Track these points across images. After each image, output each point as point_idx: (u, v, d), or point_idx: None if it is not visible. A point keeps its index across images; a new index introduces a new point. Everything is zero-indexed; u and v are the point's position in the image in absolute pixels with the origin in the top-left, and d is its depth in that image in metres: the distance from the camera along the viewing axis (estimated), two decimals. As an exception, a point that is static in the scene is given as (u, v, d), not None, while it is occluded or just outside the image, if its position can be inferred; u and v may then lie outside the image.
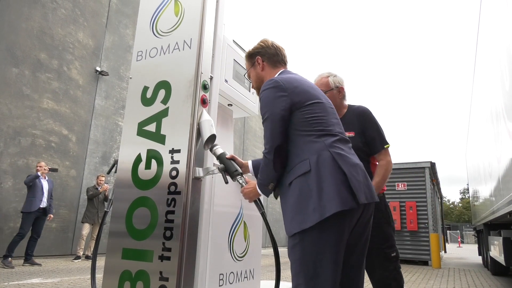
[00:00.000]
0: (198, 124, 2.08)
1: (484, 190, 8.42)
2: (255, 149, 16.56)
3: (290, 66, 2.12)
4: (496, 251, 7.18)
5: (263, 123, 1.79)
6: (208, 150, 2.14)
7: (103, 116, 9.92)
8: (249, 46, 2.15)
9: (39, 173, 7.10)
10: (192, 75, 2.14)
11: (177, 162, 2.04)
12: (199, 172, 2.05)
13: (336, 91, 2.52)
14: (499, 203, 5.65)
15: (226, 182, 2.01)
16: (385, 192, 2.50)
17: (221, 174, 2.05)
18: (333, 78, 2.54)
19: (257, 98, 2.99)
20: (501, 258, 6.60)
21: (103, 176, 8.75)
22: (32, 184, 7.01)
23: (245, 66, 2.18)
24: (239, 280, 2.43)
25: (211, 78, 2.27)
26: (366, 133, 2.42)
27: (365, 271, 2.20)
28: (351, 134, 2.40)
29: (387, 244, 2.32)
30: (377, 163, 2.45)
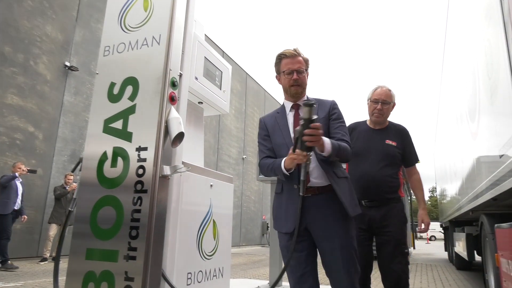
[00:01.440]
0: (166, 122, 2.05)
1: (450, 189, 8.75)
2: (230, 147, 16.51)
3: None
4: (460, 247, 7.49)
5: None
6: (176, 148, 2.12)
7: (72, 113, 9.61)
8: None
9: (16, 174, 6.81)
10: (160, 71, 2.10)
11: (144, 160, 2.00)
12: (167, 170, 2.02)
13: (392, 105, 2.84)
14: (462, 201, 5.88)
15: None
16: None
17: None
18: (393, 93, 2.86)
19: (228, 96, 2.99)
20: (464, 253, 6.89)
21: (71, 175, 8.48)
22: (7, 185, 6.73)
23: (302, 65, 2.20)
24: (208, 279, 2.42)
25: (181, 75, 2.24)
26: (406, 148, 2.81)
27: (378, 263, 2.59)
28: (394, 143, 2.76)
29: (404, 241, 2.60)
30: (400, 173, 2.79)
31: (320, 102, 2.25)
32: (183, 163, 2.19)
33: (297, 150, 1.86)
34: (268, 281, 4.35)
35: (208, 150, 14.59)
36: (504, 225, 2.96)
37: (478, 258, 6.15)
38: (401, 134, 2.83)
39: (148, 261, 1.88)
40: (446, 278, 7.36)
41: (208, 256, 2.42)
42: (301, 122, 1.84)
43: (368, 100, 2.84)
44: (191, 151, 2.65)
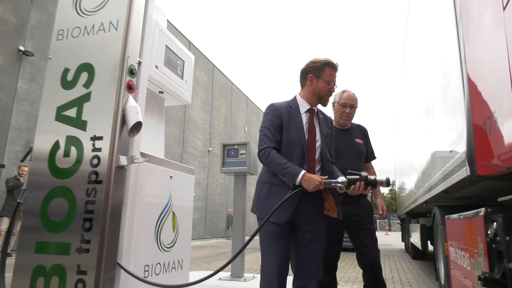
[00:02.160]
0: (123, 111, 1.99)
1: (408, 182, 9.13)
2: (196, 140, 16.33)
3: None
4: (416, 238, 7.86)
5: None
6: (134, 138, 2.06)
7: (27, 101, 9.11)
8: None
9: None
10: (117, 58, 2.03)
11: (99, 149, 1.93)
12: (123, 160, 1.96)
13: (356, 108, 3.02)
14: (418, 194, 6.16)
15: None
16: None
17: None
18: (357, 97, 3.02)
19: (191, 87, 2.94)
20: (419, 244, 7.24)
21: (26, 166, 8.05)
22: None
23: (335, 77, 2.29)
24: (166, 271, 2.38)
25: (139, 63, 2.17)
26: (367, 146, 3.06)
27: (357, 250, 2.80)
28: (361, 141, 2.99)
29: (375, 230, 2.88)
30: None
31: (324, 116, 2.40)
32: (141, 153, 2.13)
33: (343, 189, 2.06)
34: (230, 273, 4.36)
35: (173, 142, 14.35)
36: (453, 216, 3.13)
37: (431, 248, 6.48)
38: (364, 133, 3.08)
39: (102, 254, 1.83)
40: (402, 267, 7.71)
41: (167, 248, 2.39)
42: (383, 183, 2.07)
43: (335, 103, 2.98)
44: (151, 142, 2.59)
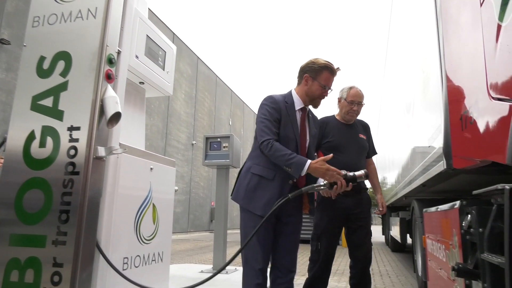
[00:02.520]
0: (102, 101, 1.95)
1: (389, 177, 9.30)
2: (179, 133, 16.18)
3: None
4: (395, 231, 8.03)
5: None
6: (112, 128, 2.02)
7: (3, 91, 8.84)
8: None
9: None
10: (96, 47, 1.98)
11: (76, 140, 1.89)
12: (101, 151, 1.92)
13: (363, 104, 2.99)
14: (398, 187, 6.28)
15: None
16: None
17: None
18: (363, 93, 3.00)
19: (172, 78, 2.91)
20: (398, 237, 7.40)
21: (2, 158, 7.83)
22: None
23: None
24: (146, 264, 2.36)
25: (119, 52, 2.13)
26: (369, 142, 3.08)
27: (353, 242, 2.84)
28: (364, 137, 3.00)
29: (371, 224, 2.94)
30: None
31: (313, 116, 2.43)
32: (120, 144, 2.09)
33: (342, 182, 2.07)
34: (212, 266, 4.37)
35: (156, 135, 14.19)
36: (431, 209, 3.20)
37: (410, 241, 6.63)
38: (366, 129, 3.11)
39: (79, 246, 1.80)
40: (381, 259, 7.87)
41: (146, 240, 2.37)
42: (362, 177, 2.11)
43: (341, 99, 2.96)
44: (131, 133, 2.55)
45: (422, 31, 3.23)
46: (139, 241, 2.28)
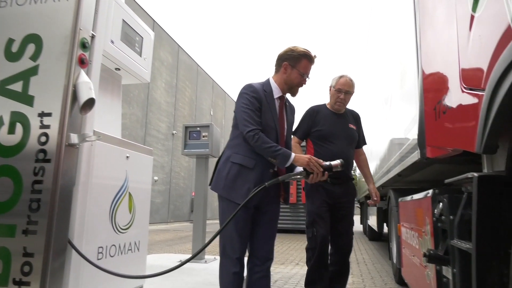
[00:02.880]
0: (74, 86, 1.88)
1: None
2: (159, 122, 15.95)
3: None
4: (373, 220, 8.21)
5: None
6: (86, 115, 1.96)
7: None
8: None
9: None
10: (68, 30, 1.91)
11: (48, 126, 1.83)
12: (74, 138, 1.86)
13: (353, 94, 2.97)
14: (375, 177, 6.40)
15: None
16: None
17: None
18: (354, 82, 2.96)
19: (150, 64, 2.85)
20: (375, 226, 7.57)
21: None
22: None
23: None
24: (122, 253, 2.33)
25: (93, 36, 2.05)
26: (359, 132, 3.08)
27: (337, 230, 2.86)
28: (354, 127, 2.99)
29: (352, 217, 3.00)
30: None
31: (290, 104, 2.44)
32: (94, 132, 2.04)
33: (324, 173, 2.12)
34: (190, 255, 4.36)
35: (136, 124, 13.95)
36: (406, 198, 3.27)
37: (387, 230, 6.80)
38: (357, 119, 3.11)
39: (51, 235, 1.75)
40: (359, 248, 8.05)
41: (122, 229, 2.33)
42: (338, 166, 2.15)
43: (331, 87, 2.96)
44: (106, 120, 2.49)
45: (400, 22, 3.26)
46: (114, 230, 2.24)
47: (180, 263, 2.00)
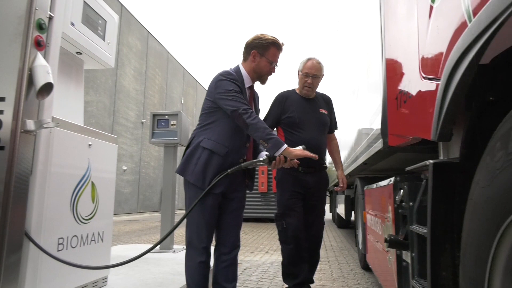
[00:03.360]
0: (30, 70, 1.78)
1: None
2: (128, 110, 15.53)
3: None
4: (341, 208, 8.42)
5: None
6: (44, 100, 1.87)
7: None
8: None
9: None
10: (23, 10, 1.79)
11: (1, 112, 1.72)
12: (30, 125, 1.77)
13: (321, 77, 2.88)
14: (344, 166, 6.54)
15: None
16: None
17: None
18: (322, 65, 2.85)
19: (114, 49, 2.75)
20: (343, 213, 7.77)
21: None
22: None
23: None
24: (84, 244, 2.27)
25: (51, 17, 1.95)
26: (331, 116, 2.99)
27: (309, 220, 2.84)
28: (326, 112, 2.90)
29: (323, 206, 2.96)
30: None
31: (256, 93, 2.43)
32: (53, 118, 1.95)
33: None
34: (159, 246, 4.31)
35: (103, 112, 13.51)
36: (371, 186, 3.37)
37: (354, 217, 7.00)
38: (328, 103, 3.02)
39: (6, 227, 1.67)
40: (327, 235, 8.24)
41: (85, 220, 2.26)
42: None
43: (299, 71, 2.85)
44: (67, 107, 2.39)
45: (366, 12, 3.30)
46: (76, 220, 2.17)
47: (141, 253, 1.95)
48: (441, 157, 1.38)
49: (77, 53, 2.44)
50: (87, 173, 2.27)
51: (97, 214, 2.38)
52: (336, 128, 3.12)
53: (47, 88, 1.81)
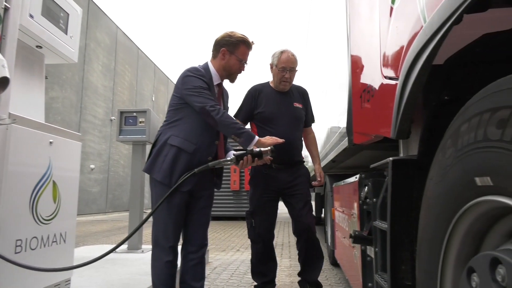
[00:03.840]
0: (-17, 63, 1.69)
1: (309, 155, 9.77)
2: (96, 107, 15.06)
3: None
4: (312, 205, 8.56)
5: None
6: (-1, 96, 1.78)
7: None
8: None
9: None
10: (-25, 0, 1.70)
11: (-49, 108, 1.63)
12: (-16, 121, 1.68)
13: (296, 70, 2.78)
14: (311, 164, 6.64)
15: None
16: None
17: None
18: (296, 56, 2.76)
19: (77, 44, 2.66)
20: (314, 210, 7.90)
21: None
22: None
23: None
24: (45, 245, 2.18)
25: (6, 8, 1.85)
26: (307, 109, 2.90)
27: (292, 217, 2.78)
28: (300, 106, 2.81)
29: (310, 198, 2.87)
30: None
31: (225, 90, 2.40)
32: (10, 115, 1.86)
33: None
34: (127, 246, 4.22)
35: (69, 109, 13.04)
36: (339, 183, 3.43)
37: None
38: (303, 96, 2.90)
39: (-43, 228, 1.58)
40: (298, 232, 8.36)
41: (45, 220, 2.17)
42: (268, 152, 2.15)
43: (273, 66, 2.73)
44: (26, 103, 2.28)
45: (335, 11, 3.36)
46: (36, 221, 2.08)
47: (104, 253, 1.90)
48: (401, 155, 1.42)
49: (37, 46, 2.34)
50: (48, 172, 2.18)
51: (59, 214, 2.29)
52: (313, 121, 3.02)
53: (3, 82, 1.72)
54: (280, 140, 2.17)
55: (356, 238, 1.92)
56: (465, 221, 0.81)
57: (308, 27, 8.39)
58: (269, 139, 2.18)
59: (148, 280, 2.65)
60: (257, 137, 2.12)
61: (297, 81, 2.97)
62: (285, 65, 2.66)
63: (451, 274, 0.89)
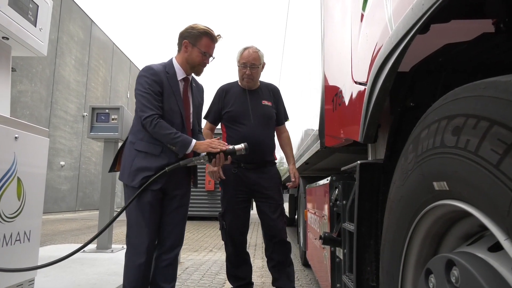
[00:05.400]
0: None
1: (284, 157, 9.83)
2: (67, 102, 14.59)
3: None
4: (286, 206, 8.62)
5: None
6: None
7: None
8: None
9: None
10: None
11: None
12: None
13: (261, 67, 2.71)
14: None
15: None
16: None
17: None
18: (261, 53, 2.68)
19: (47, 36, 2.57)
20: (287, 212, 7.96)
21: None
22: None
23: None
24: (8, 244, 2.09)
25: (-29, -3, 1.78)
26: (278, 107, 2.84)
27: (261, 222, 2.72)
28: (270, 103, 2.74)
29: (282, 201, 2.77)
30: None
31: (197, 84, 2.38)
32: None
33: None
34: (96, 245, 4.11)
35: (39, 103, 12.58)
36: (312, 185, 3.48)
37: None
38: (274, 93, 2.83)
39: None
40: (271, 233, 8.40)
41: (8, 218, 2.09)
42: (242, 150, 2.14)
43: (237, 63, 2.69)
44: (-10, 96, 2.19)
45: (310, 16, 3.40)
46: (-3, 219, 2.00)
47: (69, 253, 1.85)
48: (369, 158, 1.46)
49: (3, 38, 2.25)
50: (12, 167, 2.10)
51: (24, 212, 2.21)
52: (286, 119, 2.93)
53: (-36, 74, 1.65)
54: (218, 144, 2.10)
55: (325, 240, 1.95)
56: (425, 224, 0.84)
57: (286, 28, 8.46)
58: (206, 142, 2.12)
59: (117, 280, 2.61)
60: (194, 141, 2.07)
61: (274, 81, 2.97)
62: (245, 61, 2.63)
63: (412, 275, 0.92)
